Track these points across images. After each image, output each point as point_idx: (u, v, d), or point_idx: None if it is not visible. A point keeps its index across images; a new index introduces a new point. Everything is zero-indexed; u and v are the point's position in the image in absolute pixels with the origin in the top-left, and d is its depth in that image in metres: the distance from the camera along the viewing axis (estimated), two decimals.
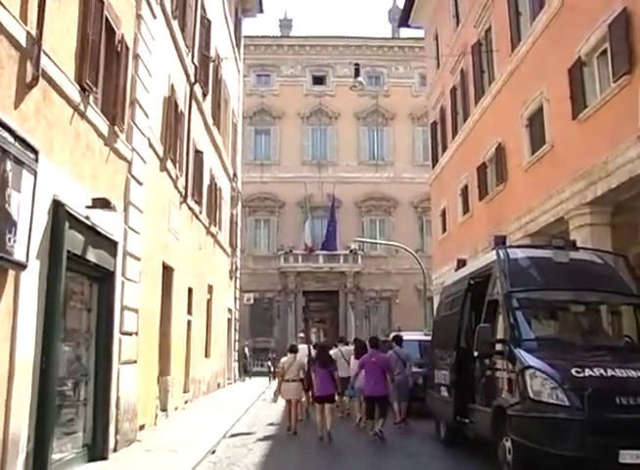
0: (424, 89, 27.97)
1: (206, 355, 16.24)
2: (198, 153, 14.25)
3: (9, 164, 5.08)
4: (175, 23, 11.69)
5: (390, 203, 33.22)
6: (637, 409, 5.77)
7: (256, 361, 27.90)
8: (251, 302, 27.63)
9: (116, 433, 7.85)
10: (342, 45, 34.41)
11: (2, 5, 5.09)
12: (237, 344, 22.63)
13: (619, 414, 5.76)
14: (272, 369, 21.61)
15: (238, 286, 23.06)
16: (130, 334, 8.49)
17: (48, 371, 5.88)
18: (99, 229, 7.17)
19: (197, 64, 13.76)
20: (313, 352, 11.30)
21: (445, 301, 10.29)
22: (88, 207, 6.84)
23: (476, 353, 7.49)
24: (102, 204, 6.98)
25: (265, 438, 9.97)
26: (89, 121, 7.12)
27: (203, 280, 15.54)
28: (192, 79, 13.42)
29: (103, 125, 7.53)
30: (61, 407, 6.56)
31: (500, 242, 8.29)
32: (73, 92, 6.60)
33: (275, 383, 12.02)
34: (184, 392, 13.23)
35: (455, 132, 19.05)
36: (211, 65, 15.85)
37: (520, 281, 7.35)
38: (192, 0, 13.33)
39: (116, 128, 7.94)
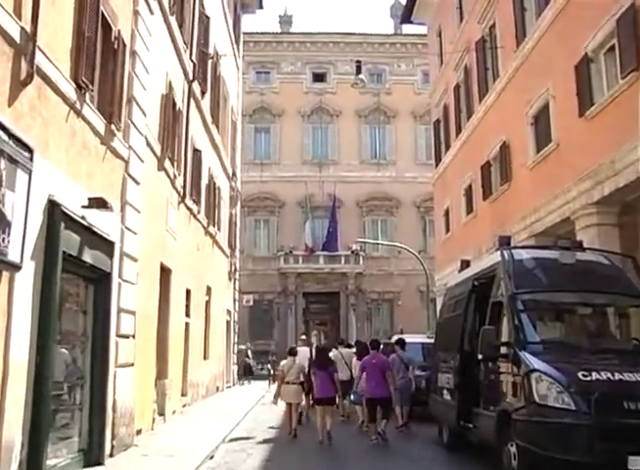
0: (426, 87, 27.89)
1: (205, 358, 16.15)
2: (196, 151, 14.16)
3: (3, 163, 5.04)
4: (173, 20, 11.60)
5: (393, 202, 33.02)
6: None
7: (256, 364, 27.78)
8: (251, 303, 27.50)
9: (113, 438, 7.77)
10: (343, 42, 34.21)
11: None
12: (236, 346, 22.52)
13: (628, 419, 5.67)
14: (272, 372, 21.46)
15: (237, 287, 22.94)
16: (127, 336, 8.41)
17: (43, 374, 5.82)
18: (95, 229, 7.10)
19: (195, 61, 13.65)
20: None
21: (449, 302, 10.21)
22: (84, 206, 6.77)
23: (480, 356, 7.41)
24: (98, 203, 6.91)
25: (265, 442, 9.88)
26: (85, 120, 7.05)
27: (201, 281, 15.45)
28: (190, 77, 13.31)
29: (99, 123, 7.46)
30: (56, 411, 6.48)
31: (505, 242, 8.18)
32: (69, 90, 6.53)
33: (275, 386, 11.93)
34: (182, 395, 13.14)
35: (459, 131, 18.93)
36: (210, 62, 15.76)
37: (525, 282, 7.26)
38: None
39: (113, 127, 7.88)
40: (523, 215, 13.28)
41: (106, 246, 7.55)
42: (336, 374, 9.91)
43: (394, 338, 13.59)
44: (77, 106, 6.75)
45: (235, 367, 22.42)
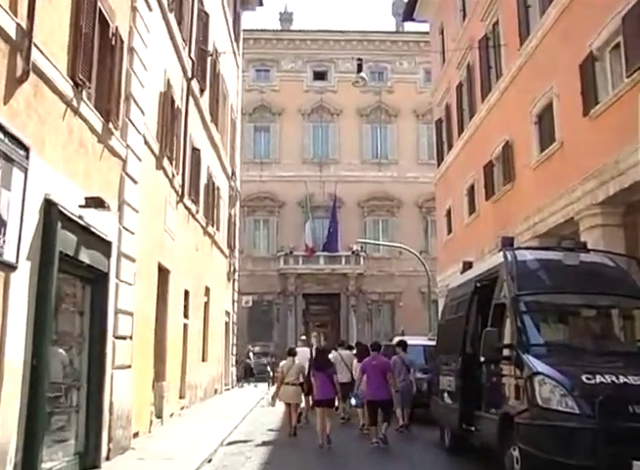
0: (429, 85, 27.71)
1: (203, 360, 16.07)
2: (195, 150, 14.08)
3: None
4: (172, 16, 11.52)
5: (394, 202, 32.89)
6: None
7: (259, 365, 27.66)
8: (250, 304, 27.41)
9: (109, 440, 7.70)
10: (344, 39, 34.05)
11: None
12: (235, 348, 22.40)
13: (633, 423, 5.59)
14: (272, 374, 21.36)
15: (236, 288, 22.82)
16: (124, 338, 8.34)
17: (38, 376, 5.77)
18: (92, 229, 7.04)
19: (194, 58, 13.57)
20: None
21: (450, 304, 10.13)
22: (81, 206, 6.72)
23: (482, 359, 7.35)
24: (95, 203, 6.86)
25: (264, 445, 9.80)
26: (82, 118, 6.99)
27: (200, 282, 15.36)
28: (189, 74, 13.22)
29: (96, 122, 7.40)
30: (52, 414, 6.43)
31: (508, 243, 8.14)
32: (66, 87, 6.47)
33: (274, 388, 11.87)
34: (180, 398, 13.05)
35: (461, 130, 18.83)
36: (209, 59, 15.66)
37: (528, 284, 7.20)
38: None
39: (111, 125, 7.80)
40: (526, 216, 13.19)
41: (103, 246, 7.49)
42: (335, 376, 9.85)
43: (395, 340, 13.49)
44: (74, 103, 6.69)
45: (234, 369, 22.28)
